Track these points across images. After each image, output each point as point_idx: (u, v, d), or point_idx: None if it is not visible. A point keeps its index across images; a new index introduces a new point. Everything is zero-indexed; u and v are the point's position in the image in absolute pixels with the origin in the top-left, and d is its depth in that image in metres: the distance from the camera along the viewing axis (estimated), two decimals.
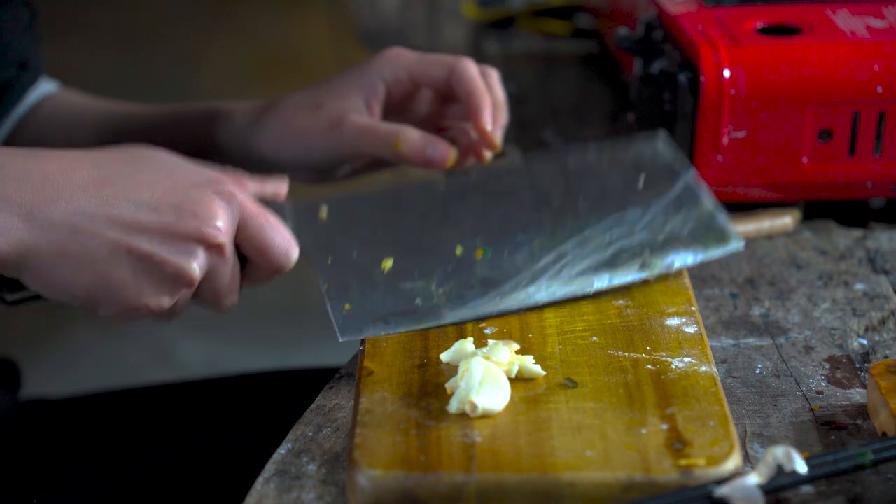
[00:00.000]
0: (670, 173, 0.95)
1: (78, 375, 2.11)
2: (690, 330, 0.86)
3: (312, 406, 0.84)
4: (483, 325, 0.87)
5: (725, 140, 1.02)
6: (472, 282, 0.89)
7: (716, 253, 0.92)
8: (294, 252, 0.87)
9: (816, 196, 1.06)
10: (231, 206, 0.84)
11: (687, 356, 0.83)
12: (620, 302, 0.89)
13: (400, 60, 1.00)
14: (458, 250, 0.90)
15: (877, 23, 1.05)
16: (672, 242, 0.92)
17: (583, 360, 0.83)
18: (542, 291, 0.88)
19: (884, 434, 0.79)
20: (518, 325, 0.87)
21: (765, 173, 1.04)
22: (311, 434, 0.81)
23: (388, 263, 0.89)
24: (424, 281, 0.89)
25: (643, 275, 0.90)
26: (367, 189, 0.94)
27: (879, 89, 1.01)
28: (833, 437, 0.81)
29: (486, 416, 0.77)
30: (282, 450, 0.79)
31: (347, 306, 0.87)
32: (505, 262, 0.90)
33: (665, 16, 1.10)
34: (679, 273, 0.93)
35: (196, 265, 0.83)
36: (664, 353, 0.83)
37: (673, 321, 0.87)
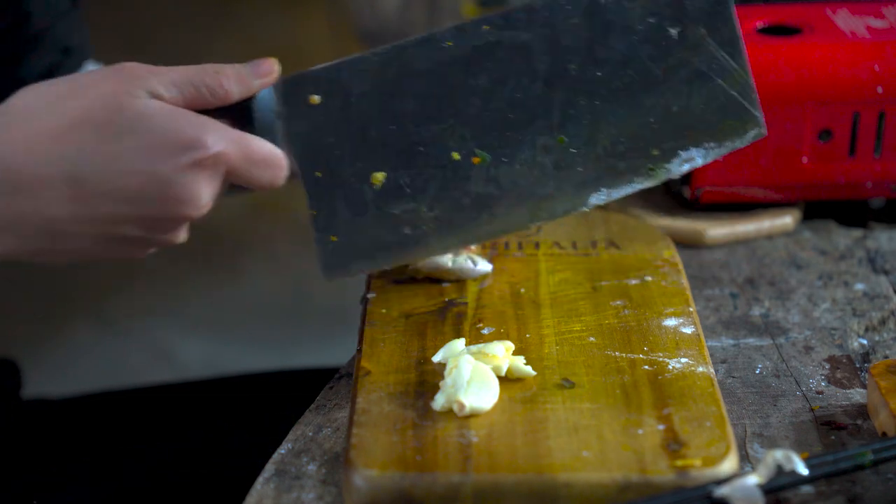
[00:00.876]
0: (710, 19, 0.84)
1: (78, 375, 2.11)
2: (688, 331, 0.85)
3: (312, 406, 0.84)
4: (480, 325, 0.87)
5: None
6: (464, 200, 0.84)
7: (733, 144, 0.85)
8: (282, 177, 0.83)
9: (816, 196, 1.06)
10: (216, 172, 0.80)
11: (684, 357, 0.83)
12: (618, 302, 0.89)
13: None
14: (456, 155, 0.84)
15: (877, 23, 1.05)
16: (685, 134, 0.84)
17: (580, 360, 0.83)
18: (534, 213, 0.85)
19: (884, 434, 0.79)
20: (515, 324, 0.87)
21: (765, 173, 1.04)
22: (311, 434, 0.81)
23: (379, 178, 0.84)
24: (415, 202, 0.84)
25: (649, 182, 0.85)
26: (365, 57, 0.84)
27: (879, 89, 1.01)
28: (833, 437, 0.81)
29: (474, 415, 0.77)
30: (282, 450, 0.79)
31: (334, 238, 0.84)
32: (502, 171, 0.84)
33: None
34: (677, 273, 0.92)
35: (183, 234, 0.82)
36: (661, 354, 0.83)
37: (670, 322, 0.86)
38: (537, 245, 0.95)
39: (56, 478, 1.03)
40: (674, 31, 0.83)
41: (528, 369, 0.81)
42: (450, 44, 0.83)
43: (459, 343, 0.83)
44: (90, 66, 1.11)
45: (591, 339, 0.85)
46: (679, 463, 0.73)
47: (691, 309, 0.88)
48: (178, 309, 2.25)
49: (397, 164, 0.84)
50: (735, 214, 1.06)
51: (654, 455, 0.73)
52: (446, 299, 0.90)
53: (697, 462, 0.73)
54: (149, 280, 2.34)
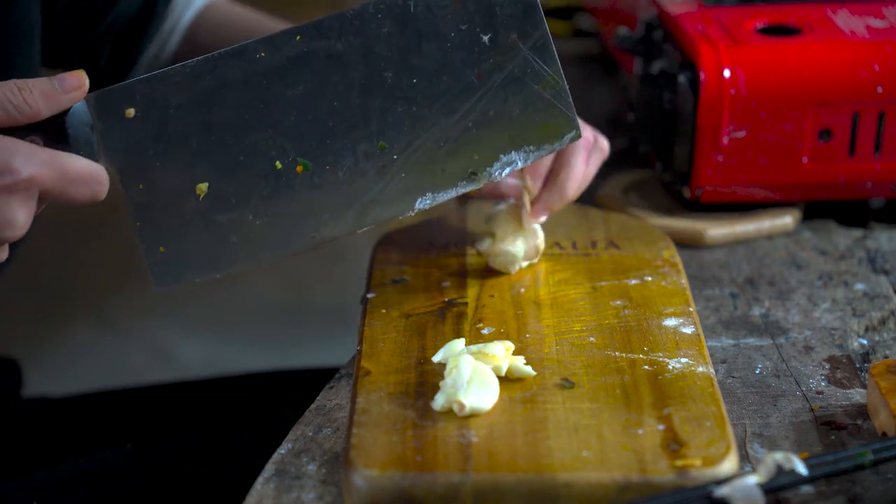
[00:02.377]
0: (521, 25, 0.84)
1: (78, 375, 2.11)
2: (688, 331, 0.85)
3: (312, 406, 0.84)
4: (480, 325, 0.87)
5: (725, 140, 1.02)
6: (290, 208, 0.84)
7: (551, 147, 0.86)
8: (102, 192, 0.81)
9: (816, 196, 1.06)
10: (29, 195, 0.78)
11: (684, 357, 0.83)
12: (618, 302, 0.89)
13: None
14: (278, 164, 0.83)
15: (877, 23, 1.05)
16: (505, 138, 0.85)
17: (580, 360, 0.83)
18: (360, 219, 0.85)
19: (884, 434, 0.79)
20: (515, 325, 0.87)
21: (765, 173, 1.04)
22: (311, 434, 0.81)
23: (202, 188, 0.83)
24: (240, 210, 0.84)
25: (472, 186, 0.85)
26: (177, 69, 0.83)
27: (879, 89, 1.01)
28: (833, 437, 0.81)
29: (474, 415, 0.77)
30: (282, 450, 0.79)
31: (162, 249, 0.84)
32: (326, 178, 0.84)
33: (665, 16, 1.09)
34: (677, 273, 0.93)
35: (3, 253, 0.80)
36: (661, 354, 0.83)
37: (670, 322, 0.86)
38: None
39: (56, 477, 1.03)
40: (485, 38, 0.84)
41: (528, 369, 0.81)
42: (262, 55, 0.83)
43: (459, 343, 0.83)
44: None
45: (591, 339, 0.85)
46: (679, 463, 0.73)
47: (691, 309, 0.88)
48: (178, 309, 2.25)
49: (220, 174, 0.84)
50: (735, 214, 1.06)
51: (655, 455, 0.73)
52: (446, 299, 0.90)
53: (697, 462, 0.73)
54: (149, 280, 2.34)
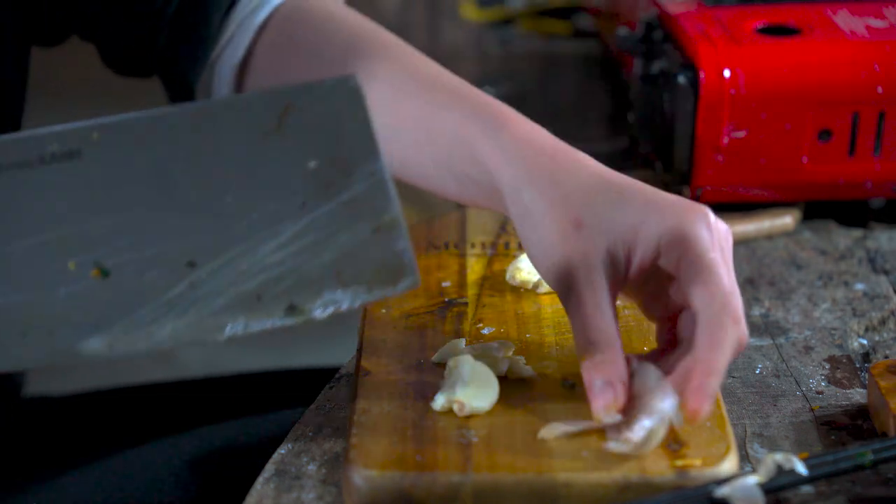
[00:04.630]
0: (354, 154, 0.74)
1: (77, 374, 2.11)
2: None
3: (312, 406, 0.84)
4: (480, 325, 0.87)
5: (725, 140, 1.02)
6: (78, 317, 0.74)
7: (383, 293, 0.75)
8: None
9: (816, 196, 1.06)
10: None
11: None
12: (618, 302, 0.89)
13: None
14: (72, 265, 0.73)
15: (877, 23, 1.05)
16: (332, 274, 0.75)
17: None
18: (153, 336, 0.74)
19: (884, 434, 0.79)
20: (515, 325, 0.87)
21: (765, 173, 1.04)
22: (311, 434, 0.81)
23: None
24: (13, 308, 0.73)
25: (290, 320, 0.75)
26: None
27: (879, 89, 1.01)
28: (833, 437, 0.81)
29: (473, 415, 0.77)
30: (282, 450, 0.79)
31: None
32: (125, 287, 0.74)
33: (665, 16, 1.09)
34: None
35: None
36: None
37: None
38: None
39: (56, 477, 1.03)
40: (312, 164, 0.74)
41: (529, 370, 0.81)
42: (98, 137, 0.74)
43: (460, 343, 0.83)
44: None
45: None
46: (679, 463, 0.73)
47: None
48: None
49: (11, 258, 0.73)
50: (735, 214, 1.06)
51: (654, 455, 0.73)
52: (446, 299, 0.90)
53: (698, 462, 0.73)
54: None
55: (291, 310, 0.75)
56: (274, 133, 0.74)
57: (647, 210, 0.77)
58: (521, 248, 0.94)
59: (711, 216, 0.77)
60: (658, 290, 0.78)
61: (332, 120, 0.74)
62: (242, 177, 0.74)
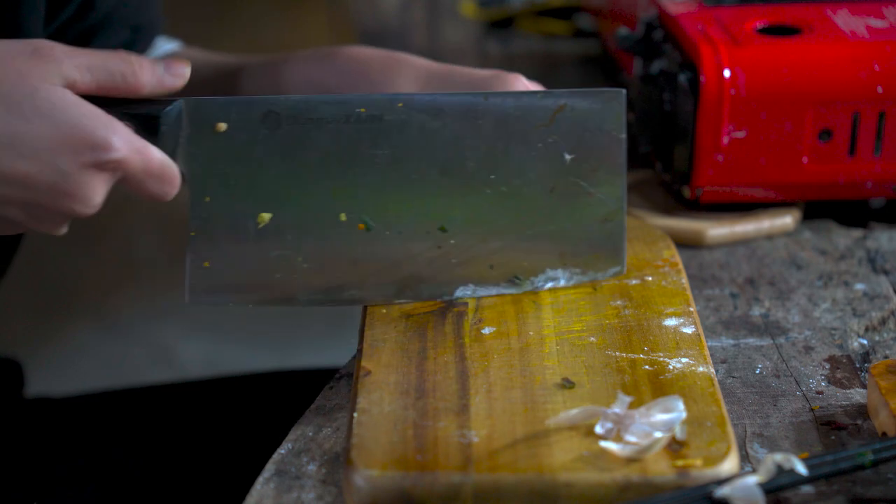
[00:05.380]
0: (603, 154, 0.88)
1: (78, 375, 2.12)
2: (688, 330, 0.85)
3: (312, 406, 0.84)
4: (481, 324, 0.87)
5: (725, 140, 1.02)
6: (339, 261, 0.86)
7: (594, 276, 0.90)
8: (172, 194, 0.81)
9: (816, 196, 1.06)
10: (113, 176, 0.79)
11: (685, 357, 0.83)
12: (618, 302, 0.89)
13: (420, 74, 0.94)
14: (343, 216, 0.86)
15: (877, 23, 1.05)
16: (557, 254, 0.89)
17: (580, 360, 0.83)
18: (400, 291, 0.87)
19: (884, 434, 0.79)
20: (516, 325, 0.87)
21: (765, 173, 1.04)
22: (311, 434, 0.81)
23: (264, 218, 0.85)
24: (292, 250, 0.85)
25: (511, 290, 0.89)
26: (279, 99, 0.85)
27: (879, 89, 1.01)
28: (833, 437, 0.81)
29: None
30: (282, 450, 0.79)
31: (207, 264, 0.84)
32: (382, 243, 0.86)
33: (665, 16, 1.09)
34: (678, 273, 0.93)
35: (64, 228, 0.80)
36: (662, 354, 0.83)
37: (671, 322, 0.87)
38: None
39: (57, 477, 1.03)
40: (568, 157, 0.87)
41: None
42: (363, 110, 0.85)
43: None
44: (164, 44, 1.09)
45: (592, 339, 0.85)
46: (680, 463, 0.73)
47: (692, 309, 0.88)
48: (178, 309, 2.25)
49: (285, 210, 0.85)
50: (735, 214, 1.06)
51: (655, 455, 0.73)
52: (446, 299, 0.90)
53: (698, 462, 0.73)
54: (150, 280, 2.35)
55: (515, 281, 0.88)
56: (545, 126, 0.86)
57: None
58: None
59: (524, 79, 0.90)
60: None
61: (594, 122, 0.87)
62: (504, 158, 0.86)
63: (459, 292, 0.88)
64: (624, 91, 0.87)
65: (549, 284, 0.89)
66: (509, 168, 0.87)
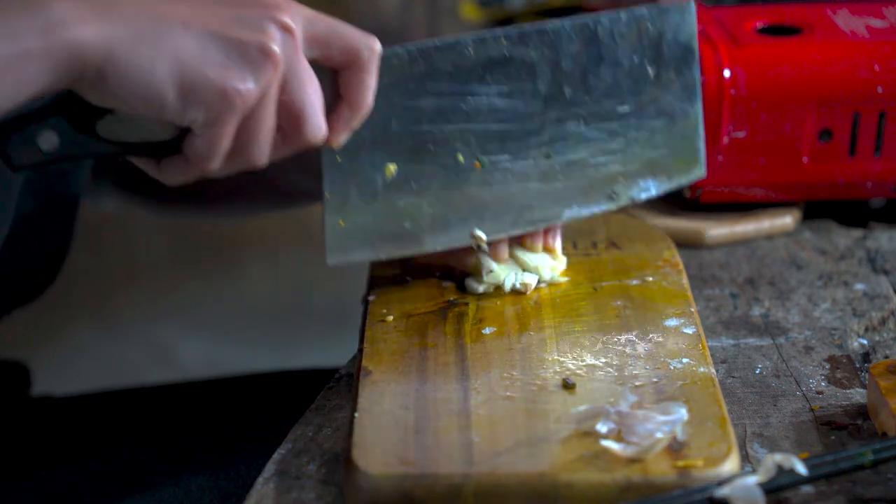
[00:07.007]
0: (679, 66, 0.92)
1: (78, 375, 2.12)
2: (689, 331, 0.85)
3: (312, 406, 0.84)
4: (481, 324, 0.87)
5: (725, 140, 1.02)
6: (461, 202, 0.89)
7: (679, 182, 0.94)
8: (324, 130, 0.81)
9: (816, 196, 1.06)
10: (283, 37, 0.78)
11: (685, 357, 0.83)
12: (619, 303, 0.89)
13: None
14: (460, 157, 0.88)
15: (877, 23, 1.05)
16: (646, 165, 0.92)
17: (581, 360, 0.82)
18: (516, 222, 0.90)
19: (884, 434, 0.79)
20: (516, 325, 0.87)
21: (765, 173, 1.04)
22: (311, 434, 0.81)
23: (391, 169, 0.87)
24: (418, 197, 0.88)
25: (610, 206, 0.92)
26: (395, 50, 0.86)
27: (879, 89, 1.01)
28: (833, 437, 0.81)
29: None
30: (282, 450, 0.79)
31: (342, 223, 0.87)
32: (497, 178, 0.89)
33: None
34: (678, 273, 0.93)
35: (274, 45, 0.78)
36: (662, 354, 0.83)
37: (671, 322, 0.86)
38: None
39: (58, 477, 1.03)
40: (651, 71, 0.91)
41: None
42: (471, 51, 0.87)
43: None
44: None
45: (592, 338, 0.85)
46: (680, 463, 0.73)
47: (692, 309, 0.88)
48: (178, 309, 2.25)
49: (409, 158, 0.87)
50: (735, 214, 1.06)
51: (656, 455, 0.73)
52: (447, 299, 0.90)
53: (699, 462, 0.73)
54: (150, 280, 2.35)
55: (612, 196, 0.92)
56: (630, 45, 0.90)
57: None
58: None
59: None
60: None
61: (670, 34, 0.91)
62: (599, 81, 0.90)
63: (567, 214, 0.91)
64: (693, 2, 0.91)
65: (643, 195, 0.92)
66: (601, 89, 0.90)
